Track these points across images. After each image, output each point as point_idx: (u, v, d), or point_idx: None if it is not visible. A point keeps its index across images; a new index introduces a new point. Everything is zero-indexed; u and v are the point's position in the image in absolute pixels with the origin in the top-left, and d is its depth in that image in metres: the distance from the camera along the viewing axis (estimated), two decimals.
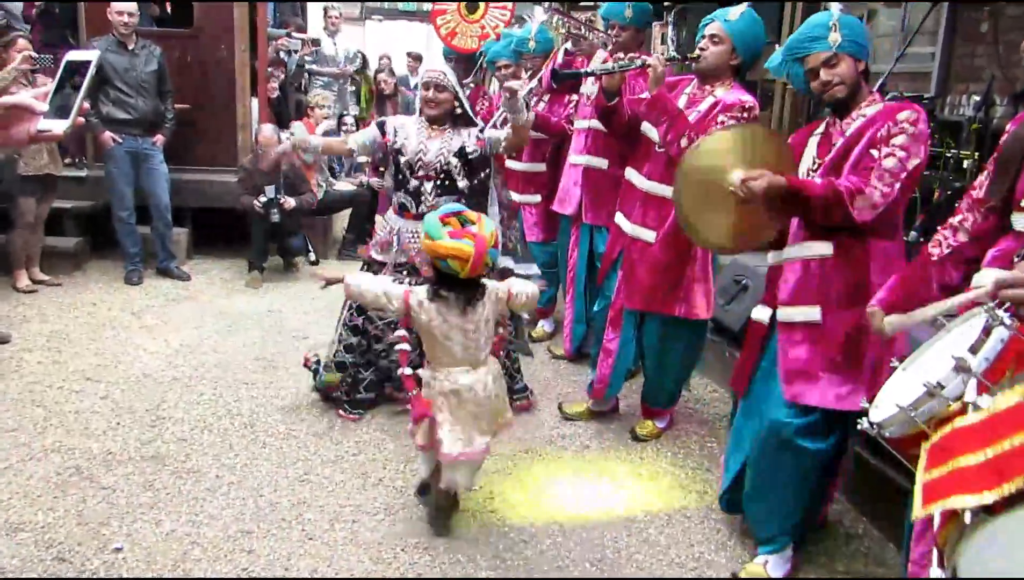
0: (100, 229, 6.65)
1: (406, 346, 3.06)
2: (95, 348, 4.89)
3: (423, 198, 3.88)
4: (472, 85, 6.26)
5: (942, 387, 1.72)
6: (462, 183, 3.88)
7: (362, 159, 6.87)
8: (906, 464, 1.88)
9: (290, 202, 6.33)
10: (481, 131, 3.94)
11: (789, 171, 2.75)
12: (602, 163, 4.50)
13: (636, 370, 4.40)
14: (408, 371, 3.01)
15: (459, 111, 3.89)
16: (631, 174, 3.83)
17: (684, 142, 3.29)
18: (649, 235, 3.70)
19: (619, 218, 3.90)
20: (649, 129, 3.68)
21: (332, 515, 3.24)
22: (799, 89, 2.93)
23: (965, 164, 5.12)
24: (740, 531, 3.27)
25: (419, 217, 3.71)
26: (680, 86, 3.67)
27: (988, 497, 1.36)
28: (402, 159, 3.89)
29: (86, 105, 1.57)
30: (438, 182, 3.87)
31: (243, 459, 3.65)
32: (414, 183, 3.88)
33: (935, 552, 1.60)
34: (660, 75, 3.45)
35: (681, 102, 3.60)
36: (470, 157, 3.87)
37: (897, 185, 2.59)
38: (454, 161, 3.84)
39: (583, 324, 4.91)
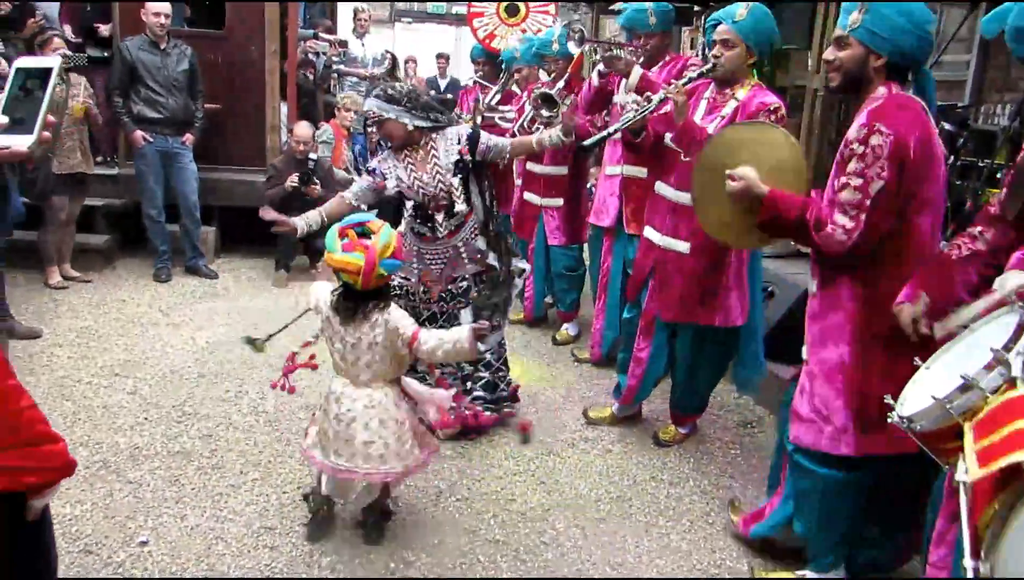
0: (130, 227, 6.74)
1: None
2: (124, 344, 4.95)
3: (437, 227, 3.76)
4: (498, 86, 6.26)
5: (979, 380, 1.74)
6: (459, 207, 3.72)
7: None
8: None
9: (316, 189, 6.36)
10: (469, 133, 3.74)
11: (796, 185, 2.64)
12: (641, 172, 4.44)
13: (663, 375, 4.38)
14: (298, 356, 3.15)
15: (412, 126, 3.59)
16: (659, 187, 3.78)
17: None
18: (683, 246, 3.66)
19: (649, 232, 3.84)
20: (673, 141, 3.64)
21: (353, 514, 3.26)
22: None
23: (998, 175, 5.05)
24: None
25: (435, 240, 3.76)
26: (698, 91, 3.61)
27: None
28: (409, 202, 3.78)
29: (51, 118, 1.41)
30: (447, 209, 3.73)
31: (267, 456, 3.68)
32: (427, 215, 3.76)
33: (967, 541, 1.57)
34: (683, 105, 3.39)
35: (700, 109, 3.58)
36: (463, 167, 3.70)
37: (862, 217, 2.40)
38: (455, 181, 3.68)
39: (616, 331, 4.86)
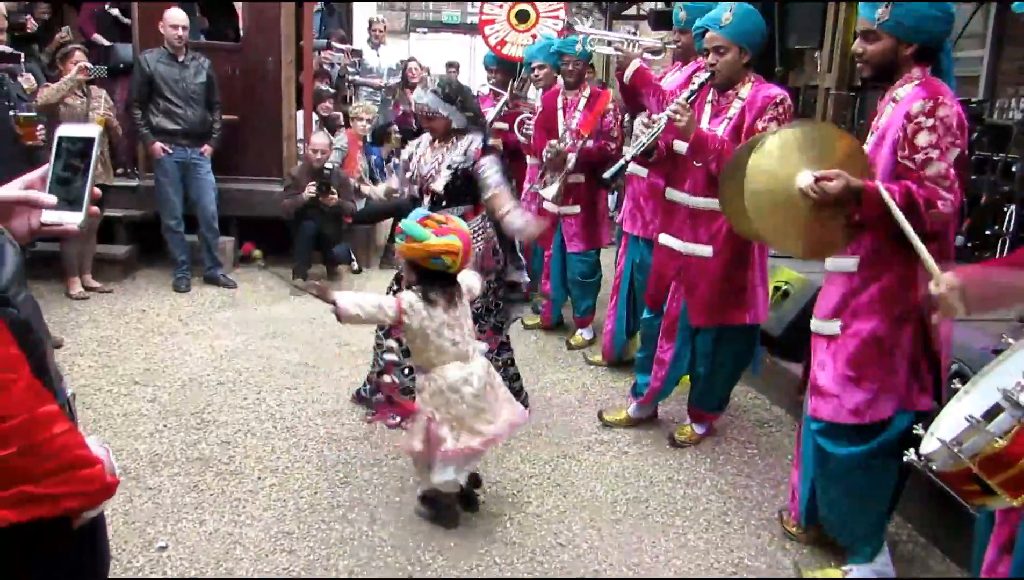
0: (150, 237, 6.81)
1: (394, 357, 3.11)
2: (143, 353, 5.01)
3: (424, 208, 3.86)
4: (511, 94, 6.31)
5: (989, 419, 1.65)
6: (436, 186, 3.83)
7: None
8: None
9: (334, 197, 6.41)
10: (482, 150, 3.80)
11: (863, 174, 2.50)
12: (642, 171, 4.48)
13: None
14: (389, 379, 3.07)
15: (456, 127, 3.81)
16: (672, 194, 3.78)
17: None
18: (706, 250, 3.65)
19: (667, 239, 3.82)
20: (683, 145, 3.63)
21: (371, 517, 3.28)
22: None
23: (1014, 168, 5.02)
24: (780, 535, 3.24)
25: None
26: (700, 96, 3.60)
27: None
28: (410, 168, 3.96)
29: (97, 191, 1.38)
30: (433, 196, 3.85)
31: (285, 462, 3.71)
32: (419, 193, 3.94)
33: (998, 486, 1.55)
34: (689, 122, 3.40)
35: (706, 113, 3.59)
36: (461, 173, 3.79)
37: (956, 185, 2.46)
38: (445, 175, 3.81)
39: (625, 334, 4.91)
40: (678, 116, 3.39)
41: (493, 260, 4.00)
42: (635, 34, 4.26)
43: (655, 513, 3.42)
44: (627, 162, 3.68)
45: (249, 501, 3.37)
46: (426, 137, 4.00)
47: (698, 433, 4.06)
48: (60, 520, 1.16)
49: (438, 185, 3.81)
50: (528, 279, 4.24)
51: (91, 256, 6.26)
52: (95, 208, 1.38)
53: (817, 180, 2.42)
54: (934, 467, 1.79)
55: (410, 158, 4.00)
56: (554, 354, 5.37)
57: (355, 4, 11.75)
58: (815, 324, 2.88)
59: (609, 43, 4.17)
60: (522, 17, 7.19)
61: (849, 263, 2.72)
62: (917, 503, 3.25)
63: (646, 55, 4.14)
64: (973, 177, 5.11)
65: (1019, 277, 2.07)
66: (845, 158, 2.49)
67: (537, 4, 7.31)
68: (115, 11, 7.02)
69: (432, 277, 3.01)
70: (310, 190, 6.39)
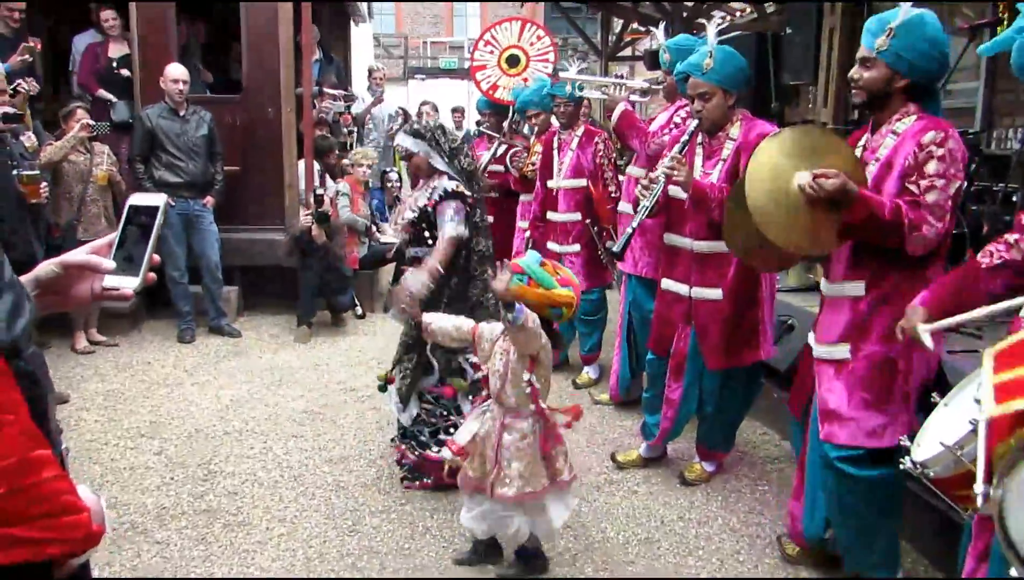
0: (154, 290, 6.79)
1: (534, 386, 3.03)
2: (149, 405, 5.00)
3: (406, 246, 3.95)
4: (505, 136, 6.42)
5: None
6: (427, 235, 3.82)
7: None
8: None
9: (322, 235, 6.45)
10: (444, 194, 3.77)
11: (857, 177, 2.60)
12: (630, 210, 4.50)
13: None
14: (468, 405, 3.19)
15: (434, 163, 3.82)
16: (673, 239, 3.81)
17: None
18: (715, 293, 3.67)
19: (670, 284, 3.84)
20: (679, 191, 3.65)
21: (380, 565, 3.25)
22: None
23: (1014, 198, 5.04)
24: (795, 573, 3.20)
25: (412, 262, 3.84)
26: (692, 143, 3.64)
27: None
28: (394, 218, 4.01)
29: (156, 258, 1.43)
30: (411, 235, 3.88)
31: (293, 511, 3.69)
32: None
33: (981, 467, 1.56)
34: (687, 178, 3.44)
35: (699, 157, 3.63)
36: (426, 213, 3.79)
37: (947, 217, 2.55)
38: (410, 216, 3.84)
39: (629, 372, 4.91)
40: (675, 172, 3.42)
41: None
42: (623, 77, 4.34)
43: (667, 553, 3.39)
44: (632, 232, 3.60)
45: (258, 552, 3.35)
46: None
47: (708, 471, 4.03)
48: (41, 569, 1.15)
49: (404, 221, 3.88)
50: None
51: (96, 310, 6.27)
52: (152, 274, 1.42)
53: (815, 177, 2.51)
54: (931, 474, 1.83)
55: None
56: (559, 394, 5.35)
57: (353, 53, 11.93)
58: (820, 350, 2.90)
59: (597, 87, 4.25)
60: (512, 62, 7.31)
61: (853, 287, 2.76)
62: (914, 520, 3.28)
63: (633, 96, 4.21)
64: (974, 207, 5.12)
65: (964, 282, 2.35)
66: (837, 159, 2.60)
67: (527, 48, 7.43)
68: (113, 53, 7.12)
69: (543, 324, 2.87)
70: (306, 218, 6.41)
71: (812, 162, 2.58)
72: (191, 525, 3.55)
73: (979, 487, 1.53)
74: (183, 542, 3.41)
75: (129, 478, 4.00)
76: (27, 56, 5.73)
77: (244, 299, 7.35)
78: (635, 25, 11.51)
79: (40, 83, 6.31)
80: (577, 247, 5.32)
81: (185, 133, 6.30)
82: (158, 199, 1.44)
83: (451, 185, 3.76)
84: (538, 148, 5.78)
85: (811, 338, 3.02)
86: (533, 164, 5.74)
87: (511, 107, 6.67)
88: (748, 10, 10.82)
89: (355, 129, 9.41)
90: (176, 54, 6.90)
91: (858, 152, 2.80)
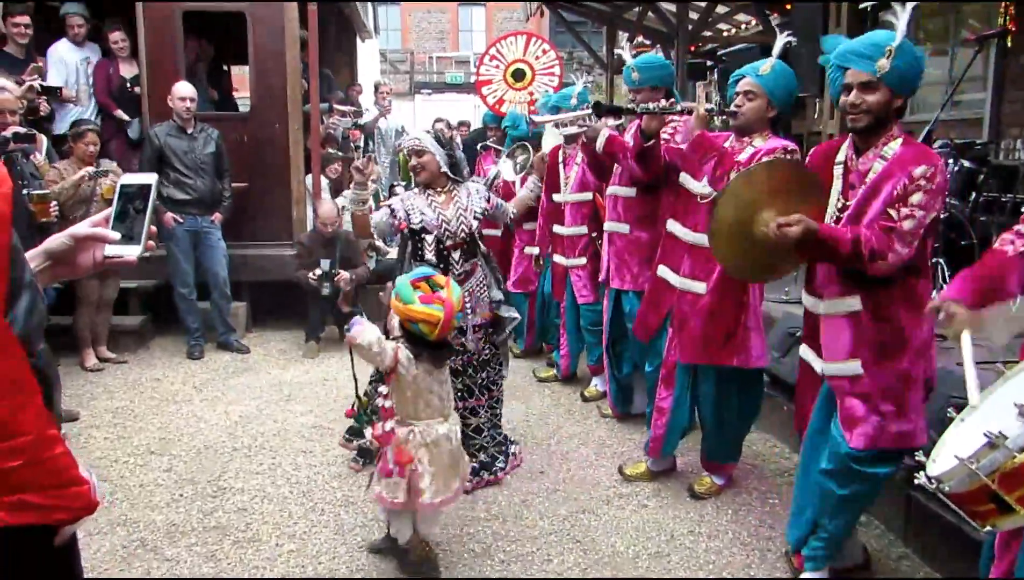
0: (163, 307, 6.86)
1: (389, 402, 3.16)
2: (159, 422, 5.01)
3: (452, 266, 3.94)
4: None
5: (1005, 437, 1.66)
6: (482, 246, 4.04)
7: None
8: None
9: (344, 276, 6.46)
10: (489, 193, 4.10)
11: (818, 204, 2.78)
12: (623, 228, 4.52)
13: (692, 426, 4.35)
14: (389, 426, 3.13)
15: (443, 169, 3.94)
16: (674, 227, 3.84)
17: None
18: (699, 286, 3.69)
19: (664, 271, 3.90)
20: (688, 180, 3.72)
21: (392, 577, 3.25)
22: (833, 95, 2.93)
23: (1023, 209, 5.04)
24: None
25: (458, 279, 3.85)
26: (718, 141, 3.68)
27: None
28: (428, 237, 3.93)
29: (154, 228, 1.61)
30: (465, 248, 3.97)
31: (302, 527, 3.68)
32: (442, 253, 3.95)
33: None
34: (703, 116, 3.51)
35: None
36: (478, 216, 3.99)
37: (915, 242, 2.63)
38: (475, 224, 3.98)
39: (615, 383, 4.97)
40: (698, 107, 3.53)
41: (491, 312, 4.10)
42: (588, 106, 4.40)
43: (677, 568, 3.37)
44: (629, 110, 3.82)
45: (267, 569, 3.34)
46: (415, 199, 3.99)
47: (718, 484, 4.02)
48: (44, 532, 1.35)
49: (462, 233, 3.95)
50: (516, 315, 4.29)
51: (106, 328, 6.30)
52: (151, 243, 1.60)
53: (780, 226, 2.61)
54: (947, 489, 1.81)
55: (407, 215, 3.96)
56: (569, 407, 5.35)
57: (360, 69, 12.00)
58: (832, 368, 2.90)
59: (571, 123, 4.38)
60: (518, 76, 7.34)
61: (851, 302, 2.81)
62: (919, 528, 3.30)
63: (610, 122, 4.26)
64: (982, 218, 5.12)
65: (996, 270, 2.35)
66: (802, 190, 2.78)
67: (532, 62, 7.47)
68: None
69: (412, 339, 3.08)
70: (311, 278, 6.43)
71: (782, 201, 2.71)
72: (201, 542, 3.55)
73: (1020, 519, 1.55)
74: (193, 559, 3.41)
75: (139, 495, 4.00)
76: (36, 77, 5.79)
77: (252, 315, 7.37)
78: (640, 39, 11.54)
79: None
80: (583, 261, 5.33)
81: (193, 150, 6.34)
82: (148, 177, 1.62)
83: (481, 184, 4.09)
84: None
85: (806, 354, 3.08)
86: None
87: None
88: (753, 22, 10.87)
89: (362, 145, 9.46)
90: (183, 72, 6.95)
91: (838, 170, 2.87)
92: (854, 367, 2.82)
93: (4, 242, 1.24)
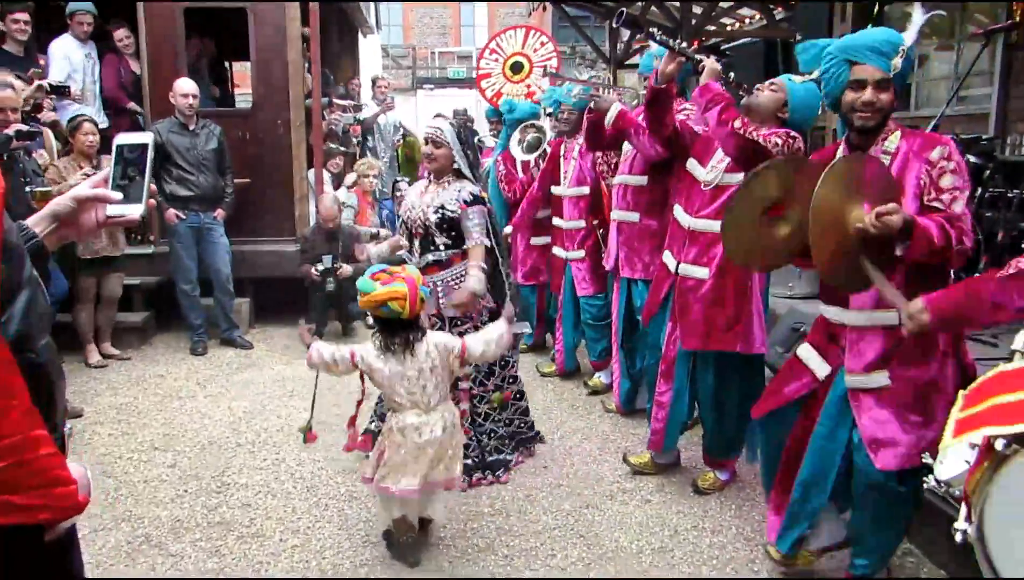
0: (166, 303, 6.87)
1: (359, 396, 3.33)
2: (163, 418, 5.02)
3: (412, 253, 4.02)
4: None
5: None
6: (440, 239, 3.95)
7: None
8: None
9: (346, 270, 6.47)
10: (472, 198, 3.92)
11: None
12: (633, 216, 4.52)
13: (694, 421, 4.35)
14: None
15: (456, 166, 3.96)
16: (678, 212, 3.83)
17: (738, 124, 3.31)
18: (701, 272, 3.68)
19: (666, 256, 3.90)
20: (695, 167, 3.71)
21: (395, 576, 3.25)
22: (827, 95, 2.78)
23: None
24: None
25: (423, 269, 3.84)
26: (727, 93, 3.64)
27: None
28: (400, 217, 4.05)
29: (154, 186, 1.61)
30: (422, 239, 3.97)
31: (306, 522, 3.69)
32: (410, 240, 4.03)
33: (963, 507, 1.57)
34: (715, 69, 3.49)
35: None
36: (449, 215, 3.91)
37: (971, 221, 2.56)
38: (432, 217, 3.91)
39: (627, 380, 4.92)
40: (710, 61, 3.50)
41: (480, 308, 4.03)
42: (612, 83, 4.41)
43: (682, 563, 3.37)
44: (655, 39, 3.61)
45: (272, 564, 3.35)
46: (418, 185, 4.12)
47: (721, 479, 4.01)
48: (33, 531, 1.34)
49: (420, 222, 3.94)
50: (529, 330, 4.29)
51: (110, 324, 6.31)
52: (152, 201, 1.60)
53: (878, 215, 2.37)
54: (956, 492, 1.81)
55: (405, 197, 4.13)
56: (572, 402, 5.35)
57: (362, 64, 11.99)
58: (856, 380, 2.78)
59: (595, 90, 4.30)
60: (516, 68, 7.32)
61: (887, 316, 2.67)
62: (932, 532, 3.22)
63: (624, 97, 4.25)
64: (988, 214, 5.09)
65: (973, 292, 2.32)
66: (881, 189, 2.51)
67: (531, 55, 7.44)
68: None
69: (388, 326, 3.15)
70: (314, 273, 6.45)
71: (860, 197, 2.47)
72: (205, 537, 3.56)
73: (960, 524, 1.54)
74: (197, 554, 3.42)
75: (143, 491, 4.01)
76: (34, 79, 5.82)
77: (255, 311, 7.38)
78: (653, 29, 11.51)
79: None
80: (582, 253, 5.34)
81: (195, 147, 6.34)
82: (145, 136, 1.62)
83: (476, 189, 3.95)
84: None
85: (808, 355, 2.95)
86: (514, 192, 5.92)
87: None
88: (757, 17, 10.84)
89: (362, 141, 9.46)
90: (185, 70, 6.94)
91: None
92: (881, 379, 2.71)
93: None
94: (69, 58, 6.88)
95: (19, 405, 1.24)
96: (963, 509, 1.57)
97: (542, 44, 7.53)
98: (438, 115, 10.11)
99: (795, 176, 2.69)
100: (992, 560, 1.52)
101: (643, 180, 4.41)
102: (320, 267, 6.41)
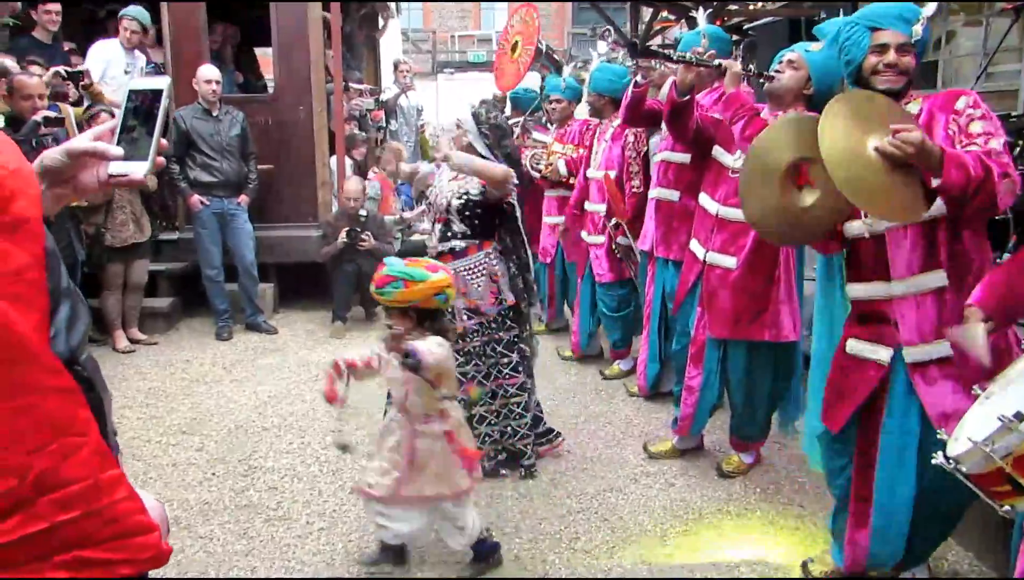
0: (192, 289, 6.94)
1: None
2: (190, 402, 5.08)
3: (433, 235, 3.98)
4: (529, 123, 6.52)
5: (1021, 419, 1.63)
6: (457, 226, 3.84)
7: None
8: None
9: (371, 240, 6.49)
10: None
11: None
12: (673, 195, 4.40)
13: (719, 404, 4.33)
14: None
15: (478, 150, 3.87)
16: (704, 200, 3.80)
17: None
18: (729, 261, 3.65)
19: (693, 245, 3.87)
20: (721, 154, 3.68)
21: (420, 558, 3.28)
22: (847, 63, 2.69)
23: None
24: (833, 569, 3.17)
25: (437, 257, 3.77)
26: (751, 101, 3.60)
27: None
28: (428, 198, 4.03)
29: (164, 142, 1.37)
30: (443, 225, 3.90)
31: (332, 505, 3.72)
32: (434, 224, 3.98)
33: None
34: (737, 74, 3.46)
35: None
36: (473, 201, 3.83)
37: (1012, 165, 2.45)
38: (455, 202, 3.83)
39: (657, 363, 4.81)
40: (732, 64, 3.48)
41: (495, 299, 3.89)
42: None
43: (705, 546, 3.37)
44: (666, 56, 3.69)
45: (298, 546, 3.39)
46: (447, 171, 3.99)
47: (746, 462, 4.01)
48: None
49: (453, 208, 3.86)
50: (542, 316, 4.28)
51: (137, 310, 6.38)
52: (161, 159, 1.37)
53: (895, 133, 2.26)
54: (964, 469, 1.78)
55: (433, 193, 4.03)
56: (595, 385, 5.35)
57: (382, 49, 11.95)
58: (917, 352, 2.63)
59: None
60: (514, 48, 7.19)
61: (935, 278, 2.59)
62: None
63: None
64: (1018, 193, 5.01)
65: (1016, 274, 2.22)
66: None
67: (522, 29, 7.22)
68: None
69: (434, 316, 2.97)
70: (342, 237, 6.48)
71: (878, 128, 2.34)
72: (233, 520, 3.61)
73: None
74: (225, 536, 3.47)
75: (172, 474, 4.07)
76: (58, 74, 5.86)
77: (279, 296, 7.43)
78: (664, 13, 11.37)
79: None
80: (602, 238, 5.29)
81: (218, 133, 6.38)
82: (161, 82, 1.38)
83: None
84: (557, 147, 5.82)
85: (859, 348, 2.76)
86: (550, 164, 5.80)
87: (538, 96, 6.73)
88: None
89: (384, 126, 9.46)
90: (208, 57, 6.97)
91: None
92: (944, 348, 2.56)
93: (39, 253, 1.04)
94: (109, 61, 6.74)
95: (88, 443, 1.08)
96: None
97: (533, 19, 7.19)
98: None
99: (810, 138, 2.49)
100: None
101: (686, 158, 4.24)
102: (345, 235, 6.45)
